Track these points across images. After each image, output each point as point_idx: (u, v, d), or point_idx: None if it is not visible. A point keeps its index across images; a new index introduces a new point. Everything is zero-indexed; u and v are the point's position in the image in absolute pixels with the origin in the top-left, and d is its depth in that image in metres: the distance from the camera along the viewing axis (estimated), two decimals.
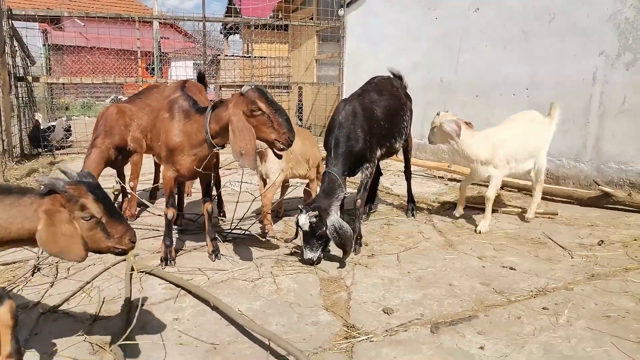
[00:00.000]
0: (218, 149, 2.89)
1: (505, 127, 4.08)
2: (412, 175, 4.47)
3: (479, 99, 6.35)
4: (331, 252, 3.32)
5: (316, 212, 3.01)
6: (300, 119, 11.25)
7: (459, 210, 4.20)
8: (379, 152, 3.60)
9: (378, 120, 3.55)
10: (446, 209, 4.58)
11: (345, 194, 3.21)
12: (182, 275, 2.91)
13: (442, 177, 6.18)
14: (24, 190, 1.75)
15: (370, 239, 3.70)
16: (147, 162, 5.60)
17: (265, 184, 3.79)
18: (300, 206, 3.10)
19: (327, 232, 3.03)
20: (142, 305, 2.53)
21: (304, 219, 3.01)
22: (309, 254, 3.07)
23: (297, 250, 3.33)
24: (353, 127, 3.36)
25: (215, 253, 3.23)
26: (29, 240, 1.73)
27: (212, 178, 3.25)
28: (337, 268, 3.09)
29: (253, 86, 2.70)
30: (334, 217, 3.05)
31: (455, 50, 6.75)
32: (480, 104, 6.27)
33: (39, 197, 1.72)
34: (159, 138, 3.08)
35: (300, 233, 3.14)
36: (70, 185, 1.74)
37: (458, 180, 5.93)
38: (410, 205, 4.39)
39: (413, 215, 4.33)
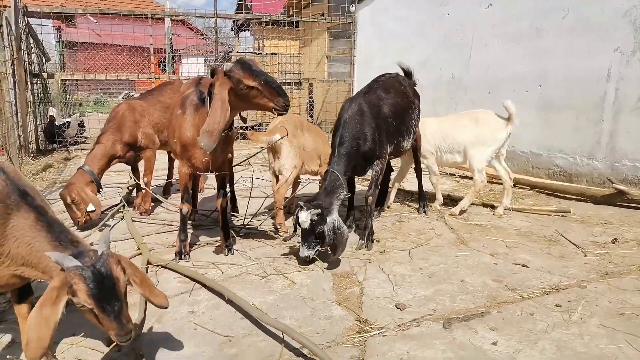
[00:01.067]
0: (226, 132, 2.90)
1: (444, 119, 4.48)
2: (422, 173, 4.48)
3: (490, 96, 6.31)
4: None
5: (318, 210, 2.98)
6: (311, 116, 11.26)
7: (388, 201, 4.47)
8: (389, 149, 3.60)
9: (385, 118, 3.55)
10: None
11: (346, 193, 3.22)
12: (196, 269, 2.95)
13: (454, 175, 6.18)
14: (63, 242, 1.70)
15: (382, 235, 3.72)
16: (160, 157, 5.70)
17: (277, 180, 3.81)
18: (300, 203, 3.07)
19: (325, 230, 3.01)
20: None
21: (305, 216, 2.99)
22: (305, 252, 3.01)
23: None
24: (360, 126, 3.35)
25: (229, 248, 3.27)
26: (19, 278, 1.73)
27: (227, 173, 3.28)
28: (350, 263, 3.11)
29: (236, 61, 2.67)
30: (335, 216, 3.06)
31: (466, 47, 6.71)
32: (492, 101, 6.23)
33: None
34: (174, 135, 3.11)
35: (296, 232, 3.13)
36: (72, 270, 1.60)
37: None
38: (422, 202, 4.39)
39: (425, 212, 4.33)
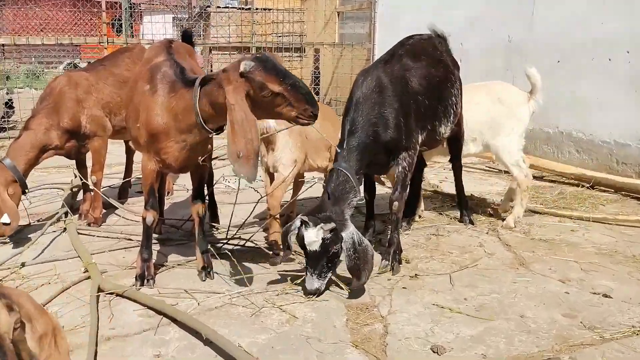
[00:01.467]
0: (213, 134, 2.94)
1: None
2: (464, 169, 4.51)
3: (561, 66, 6.29)
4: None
5: (332, 224, 2.98)
6: (317, 93, 11.28)
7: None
8: (419, 137, 3.61)
9: (415, 95, 3.55)
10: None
11: (359, 198, 3.22)
12: (164, 298, 2.96)
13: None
14: None
15: (413, 254, 3.72)
16: (116, 149, 5.74)
17: (272, 179, 3.84)
18: (301, 216, 3.05)
19: (343, 249, 3.01)
20: (113, 337, 2.58)
21: (315, 235, 2.97)
22: (315, 283, 3.00)
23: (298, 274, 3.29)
24: (379, 107, 3.36)
25: (207, 270, 3.28)
26: None
27: (206, 171, 3.30)
28: (369, 292, 3.12)
29: (255, 58, 2.69)
30: (352, 229, 3.06)
31: (528, 1, 6.69)
32: (563, 73, 6.22)
33: None
34: (138, 119, 3.11)
35: (291, 250, 3.13)
36: None
37: (533, 176, 5.88)
38: (464, 209, 4.41)
39: (470, 221, 4.35)
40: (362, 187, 3.56)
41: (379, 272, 3.39)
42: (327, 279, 3.07)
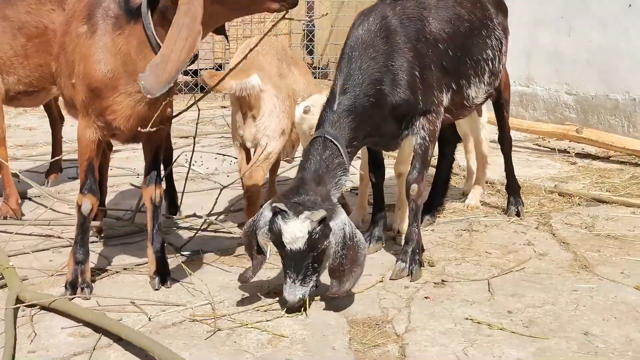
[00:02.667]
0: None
1: None
2: (512, 147, 4.50)
3: (633, 11, 6.24)
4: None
5: (322, 213, 2.92)
6: (311, 53, 11.24)
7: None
8: (443, 96, 3.57)
9: (435, 43, 3.51)
10: (575, 204, 4.57)
11: (347, 178, 3.21)
12: (103, 311, 2.92)
13: (566, 151, 6.17)
14: None
15: (439, 254, 3.72)
16: (43, 123, 5.67)
17: (248, 157, 3.85)
18: (274, 203, 2.97)
19: (331, 243, 2.94)
20: None
21: (299, 229, 2.88)
22: (298, 292, 2.93)
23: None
24: (384, 58, 3.33)
25: (163, 276, 3.26)
26: None
27: (163, 142, 3.30)
28: (380, 303, 3.09)
29: None
30: (344, 218, 3.00)
31: None
32: (635, 19, 6.17)
33: None
34: (72, 71, 3.12)
35: (265, 255, 3.07)
36: None
37: (593, 156, 5.92)
38: (513, 196, 4.38)
39: (518, 213, 4.32)
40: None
41: (393, 277, 3.37)
42: (311, 285, 3.00)
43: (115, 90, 3.00)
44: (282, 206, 2.93)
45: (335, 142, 3.14)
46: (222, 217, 4.21)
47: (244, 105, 3.73)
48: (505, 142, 4.44)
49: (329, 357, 2.62)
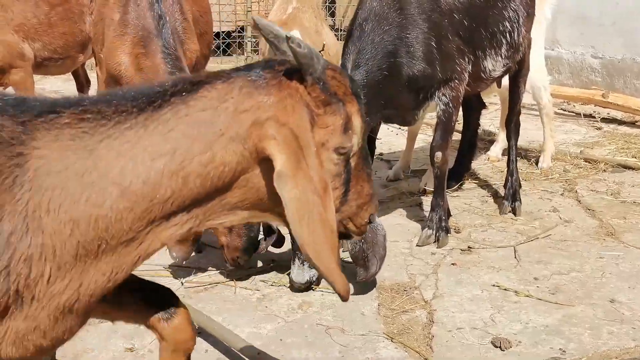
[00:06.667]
0: None
1: None
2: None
3: None
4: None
5: None
6: (333, 15, 11.14)
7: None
8: (464, 62, 3.52)
9: (449, 11, 3.44)
10: (600, 170, 4.54)
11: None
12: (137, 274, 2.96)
13: (592, 116, 6.09)
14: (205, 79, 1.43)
15: (465, 220, 3.72)
16: (63, 85, 5.67)
17: None
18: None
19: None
20: None
21: None
22: (306, 274, 2.89)
23: None
24: (398, 30, 3.27)
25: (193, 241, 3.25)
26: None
27: None
28: (407, 269, 3.11)
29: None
30: None
31: None
32: None
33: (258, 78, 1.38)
34: None
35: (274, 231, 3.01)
36: (332, 70, 1.44)
37: (619, 121, 5.86)
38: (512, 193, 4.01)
39: (514, 211, 3.89)
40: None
41: (420, 244, 3.39)
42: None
43: None
44: None
45: None
46: None
47: None
48: (512, 128, 4.08)
49: (358, 322, 2.66)
